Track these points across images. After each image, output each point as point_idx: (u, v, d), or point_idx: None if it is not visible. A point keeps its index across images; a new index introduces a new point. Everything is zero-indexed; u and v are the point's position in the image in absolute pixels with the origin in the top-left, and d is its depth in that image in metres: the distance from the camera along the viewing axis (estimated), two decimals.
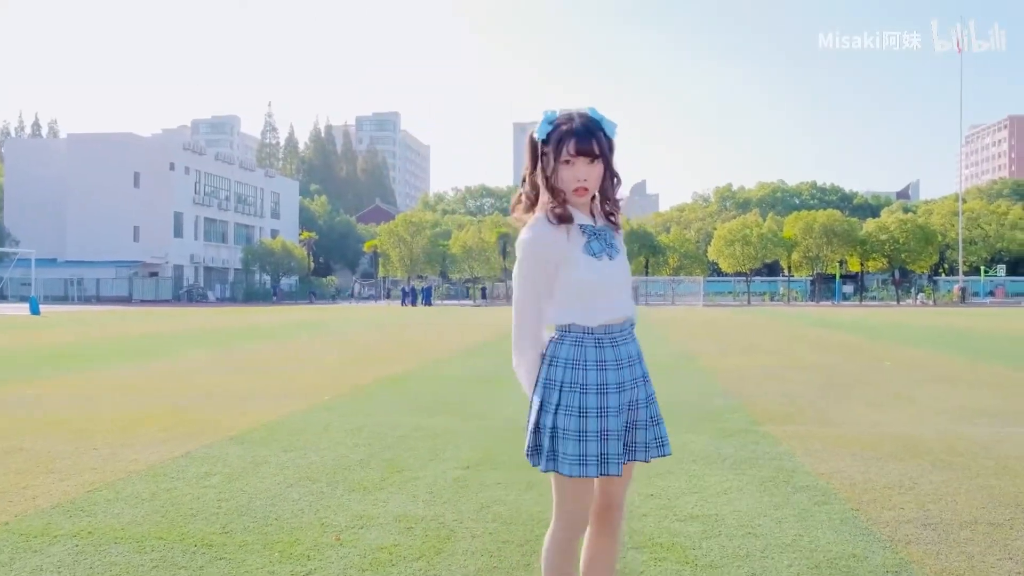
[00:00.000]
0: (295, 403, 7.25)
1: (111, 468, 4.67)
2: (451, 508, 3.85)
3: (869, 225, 63.27)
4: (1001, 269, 68.23)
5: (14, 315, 31.35)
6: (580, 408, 2.04)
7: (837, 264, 64.27)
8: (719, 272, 69.36)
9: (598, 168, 2.08)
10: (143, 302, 57.11)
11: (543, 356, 2.12)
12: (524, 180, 2.16)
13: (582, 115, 2.09)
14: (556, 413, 2.05)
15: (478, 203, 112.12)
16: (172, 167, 64.28)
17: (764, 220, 68.64)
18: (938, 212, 72.24)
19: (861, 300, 63.28)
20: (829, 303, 59.89)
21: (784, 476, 4.49)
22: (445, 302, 65.05)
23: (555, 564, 2.15)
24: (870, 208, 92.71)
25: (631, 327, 2.19)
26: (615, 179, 2.15)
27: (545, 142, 2.08)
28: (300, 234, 74.83)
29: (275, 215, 79.96)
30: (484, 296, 68.10)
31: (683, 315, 33.97)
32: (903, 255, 60.23)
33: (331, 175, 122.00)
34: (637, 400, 2.15)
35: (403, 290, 59.91)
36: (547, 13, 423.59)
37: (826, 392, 8.14)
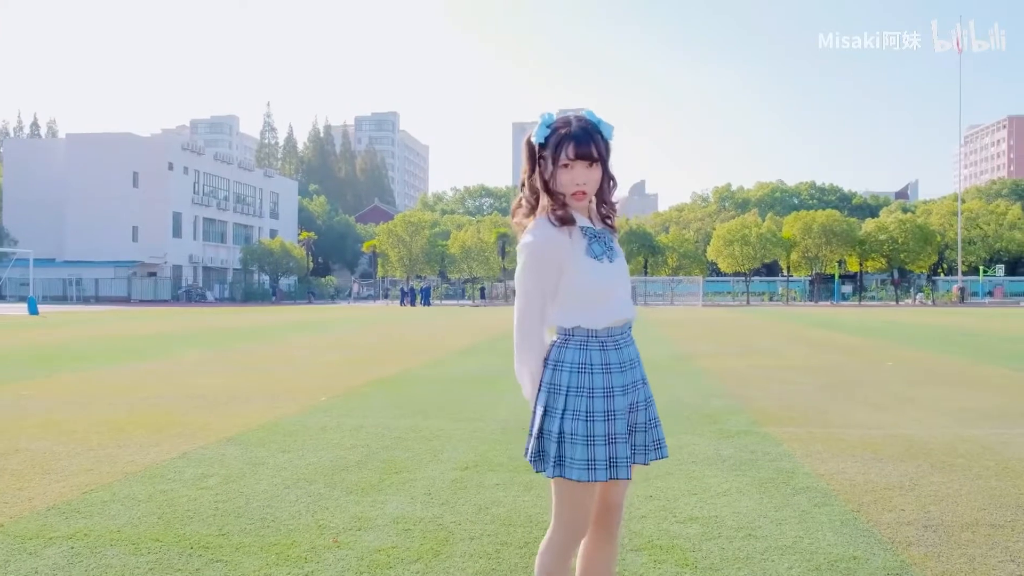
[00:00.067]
0: (292, 404, 7.23)
1: (107, 469, 4.64)
2: (449, 509, 3.83)
3: (868, 225, 63.32)
4: (1000, 269, 68.32)
5: (13, 315, 31.31)
6: (587, 412, 2.01)
7: (836, 264, 64.35)
8: (718, 272, 69.43)
9: (597, 172, 2.06)
10: (142, 302, 57.09)
11: (546, 360, 2.10)
12: (523, 185, 2.14)
13: (580, 118, 2.07)
14: (562, 418, 2.03)
15: (477, 203, 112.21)
16: (171, 167, 64.26)
17: (763, 220, 68.71)
18: (937, 212, 72.30)
19: (860, 300, 63.33)
20: (828, 303, 59.95)
21: (784, 477, 4.47)
22: (444, 302, 65.05)
23: (551, 570, 2.12)
24: (869, 208, 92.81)
25: (630, 329, 2.18)
26: (611, 182, 2.13)
27: (543, 146, 2.06)
28: (299, 234, 74.84)
29: (274, 215, 79.95)
30: (483, 296, 68.12)
31: (682, 315, 33.97)
32: (902, 255, 60.28)
33: (330, 175, 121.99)
34: (637, 403, 2.13)
35: (402, 290, 59.94)
36: (546, 13, 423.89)
37: (826, 393, 8.12)
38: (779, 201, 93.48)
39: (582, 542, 2.20)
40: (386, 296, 71.88)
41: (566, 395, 2.03)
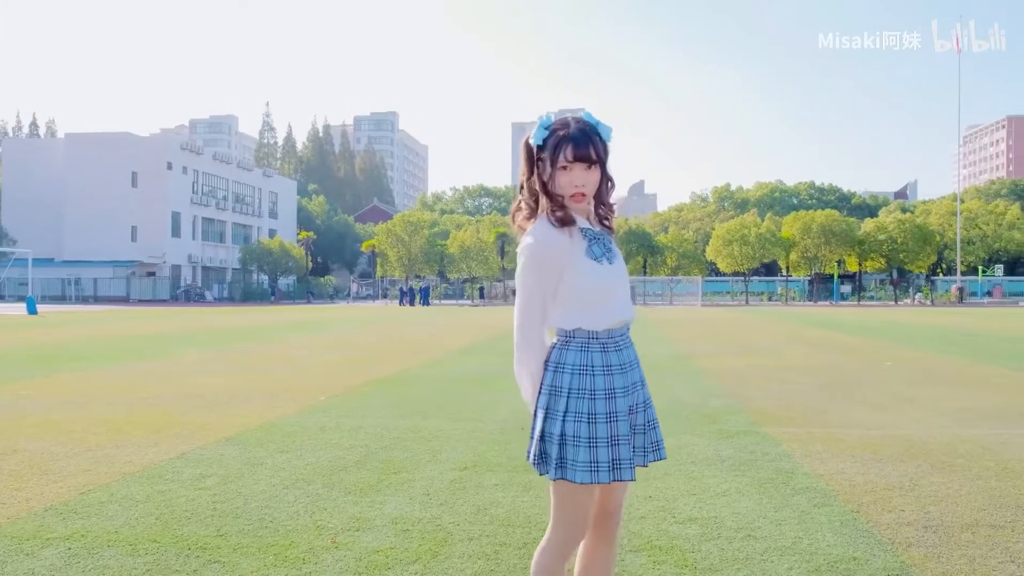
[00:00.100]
0: (291, 404, 7.22)
1: (105, 470, 4.63)
2: (448, 510, 3.82)
3: (867, 225, 63.35)
4: (999, 269, 68.38)
5: (11, 315, 31.28)
6: (589, 414, 2.01)
7: (835, 264, 64.34)
8: (717, 272, 69.44)
9: (595, 173, 2.05)
10: (141, 302, 57.05)
11: (546, 362, 2.09)
12: (522, 187, 2.13)
13: (578, 120, 2.06)
14: (564, 420, 2.01)
15: (476, 203, 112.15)
16: (170, 167, 64.22)
17: (762, 220, 68.72)
18: (936, 212, 72.32)
19: (859, 300, 63.34)
20: (827, 303, 59.95)
21: (783, 478, 4.46)
22: (443, 302, 65.03)
23: (548, 571, 2.11)
24: (868, 208, 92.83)
25: (628, 330, 2.17)
26: (609, 183, 2.12)
27: (541, 148, 2.05)
28: (298, 234, 74.82)
29: (273, 215, 79.90)
30: (482, 296, 68.11)
31: (681, 315, 33.96)
32: (901, 255, 60.29)
33: (329, 175, 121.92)
34: (636, 404, 2.12)
35: (401, 290, 59.92)
36: (546, 13, 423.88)
37: (825, 393, 8.12)
38: (778, 201, 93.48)
39: (581, 544, 2.19)
40: (385, 296, 71.88)
41: (567, 397, 2.02)
